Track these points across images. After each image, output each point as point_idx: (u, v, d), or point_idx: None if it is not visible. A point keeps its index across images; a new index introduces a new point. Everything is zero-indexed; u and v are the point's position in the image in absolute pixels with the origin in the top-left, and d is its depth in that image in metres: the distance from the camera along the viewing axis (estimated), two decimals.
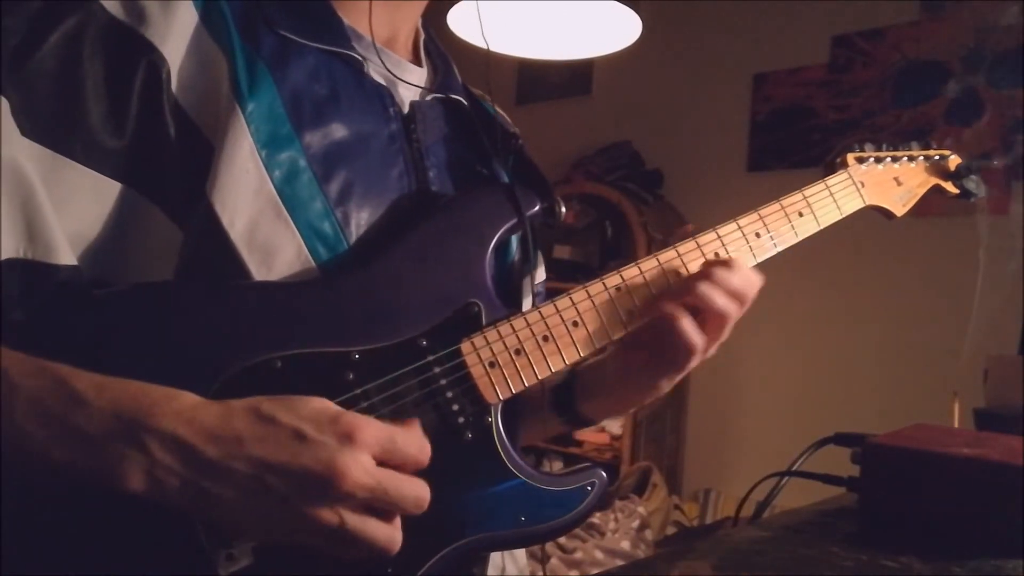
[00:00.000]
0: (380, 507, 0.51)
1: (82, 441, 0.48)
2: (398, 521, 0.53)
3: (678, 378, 0.73)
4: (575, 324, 0.66)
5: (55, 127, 0.56)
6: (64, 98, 0.56)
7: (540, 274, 0.86)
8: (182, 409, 0.49)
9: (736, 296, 0.68)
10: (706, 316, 0.68)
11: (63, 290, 0.55)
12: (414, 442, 0.53)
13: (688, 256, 0.72)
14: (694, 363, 0.70)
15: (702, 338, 0.68)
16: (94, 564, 0.53)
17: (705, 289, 0.67)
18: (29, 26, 0.55)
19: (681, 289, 0.68)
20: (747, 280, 0.69)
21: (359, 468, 0.49)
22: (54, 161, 0.55)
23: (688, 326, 0.67)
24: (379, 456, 0.51)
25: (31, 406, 0.48)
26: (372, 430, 0.51)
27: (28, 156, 0.54)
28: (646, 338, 0.70)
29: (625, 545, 2.25)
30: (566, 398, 0.80)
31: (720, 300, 0.67)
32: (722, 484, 2.83)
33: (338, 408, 0.52)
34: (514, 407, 0.70)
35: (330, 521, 0.49)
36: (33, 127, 0.55)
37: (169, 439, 0.48)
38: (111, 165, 0.57)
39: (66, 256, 0.55)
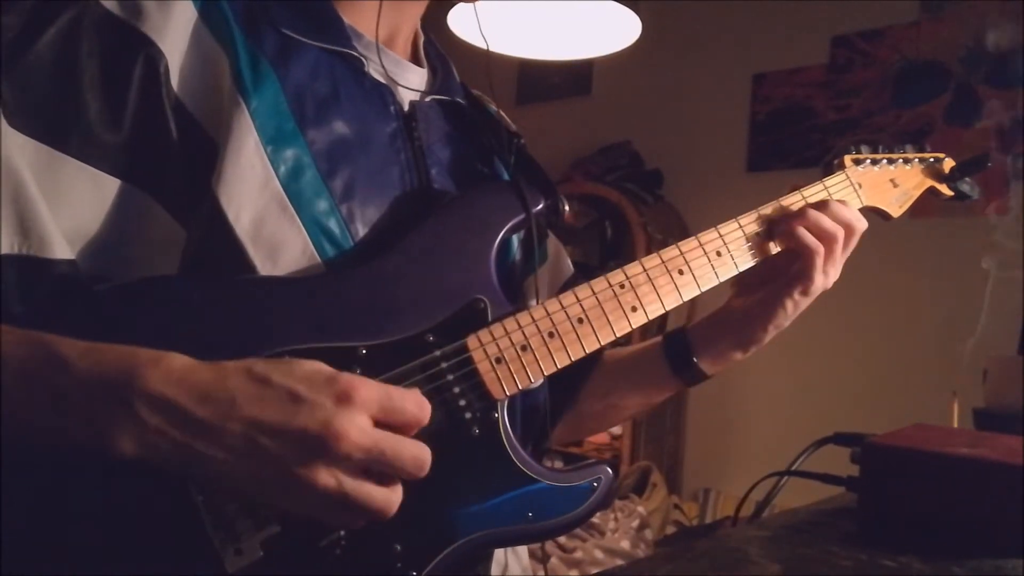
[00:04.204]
0: (378, 469, 0.50)
1: (69, 405, 0.48)
2: (398, 485, 0.52)
3: (804, 304, 0.78)
4: (580, 321, 0.67)
5: (51, 122, 0.55)
6: (60, 93, 0.56)
7: (569, 265, 0.88)
8: (171, 370, 0.48)
9: (841, 220, 0.76)
10: (819, 238, 0.75)
11: (60, 284, 0.55)
12: (413, 399, 0.52)
13: (691, 254, 0.72)
14: (819, 281, 0.76)
15: (823, 247, 0.75)
16: (100, 560, 0.53)
17: (810, 212, 0.75)
18: (25, 21, 0.55)
19: (794, 213, 0.76)
20: (847, 210, 0.77)
21: (356, 429, 0.48)
22: (50, 156, 0.55)
23: (804, 231, 0.74)
24: (377, 416, 0.50)
25: (17, 374, 0.48)
26: (369, 389, 0.50)
27: (18, 151, 0.54)
28: (758, 281, 0.79)
29: (625, 545, 2.25)
30: (682, 356, 0.82)
31: (825, 221, 0.75)
32: (721, 484, 2.83)
33: (333, 370, 0.50)
34: (519, 405, 0.70)
35: (326, 484, 0.48)
36: (28, 122, 0.54)
37: (158, 400, 0.47)
38: (109, 160, 0.57)
39: (62, 250, 0.55)
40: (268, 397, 0.48)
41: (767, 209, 0.77)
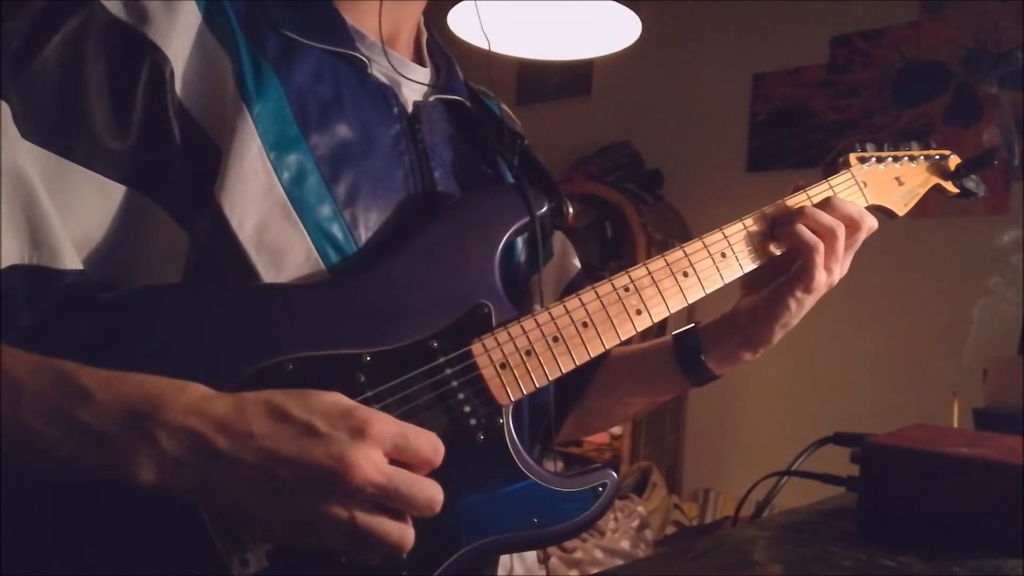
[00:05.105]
0: (392, 506, 0.51)
1: (90, 436, 0.48)
2: (411, 521, 0.52)
3: (809, 302, 0.77)
4: (585, 325, 0.66)
5: (58, 130, 0.55)
6: (67, 101, 0.55)
7: (575, 263, 0.88)
8: (191, 401, 0.49)
9: (842, 216, 0.75)
10: (820, 235, 0.74)
11: (70, 294, 0.54)
12: (428, 441, 0.52)
13: (695, 256, 0.72)
14: (821, 278, 0.74)
15: (823, 244, 0.74)
16: (106, 569, 0.52)
17: (808, 208, 0.75)
18: (30, 28, 0.55)
19: (793, 211, 0.75)
20: (848, 207, 0.76)
21: (370, 464, 0.48)
22: (58, 165, 0.55)
23: (803, 229, 0.73)
24: (391, 453, 0.50)
25: (36, 403, 0.48)
26: (385, 425, 0.50)
27: (29, 160, 0.54)
28: (765, 279, 0.78)
29: (625, 544, 2.25)
30: (691, 354, 0.81)
31: (824, 216, 0.74)
32: (721, 484, 2.84)
33: (351, 402, 0.51)
34: (526, 405, 0.70)
35: (340, 516, 0.49)
36: (36, 130, 0.54)
37: (179, 431, 0.48)
38: (115, 167, 0.57)
39: (71, 260, 0.55)
40: (285, 430, 0.49)
41: (770, 209, 0.77)
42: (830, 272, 0.76)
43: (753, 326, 0.79)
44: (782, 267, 0.77)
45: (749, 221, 0.75)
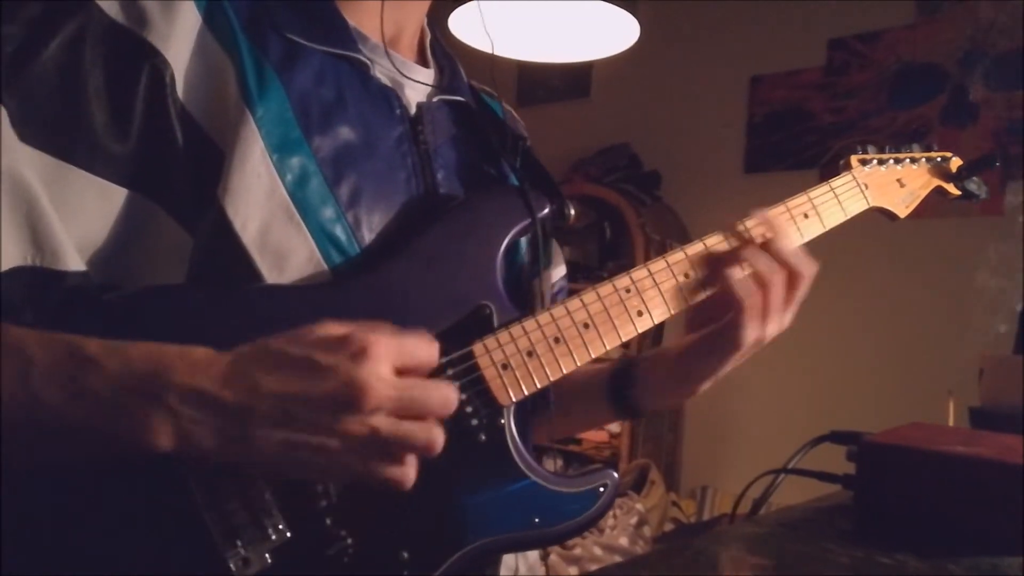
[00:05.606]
0: (409, 414, 0.51)
1: (101, 403, 0.48)
2: (435, 423, 0.52)
3: (735, 357, 0.70)
4: (586, 326, 0.66)
5: (58, 134, 0.55)
6: (66, 104, 0.55)
7: (560, 271, 0.85)
8: (194, 360, 0.49)
9: (781, 262, 0.68)
10: (755, 282, 0.68)
11: (72, 295, 0.55)
12: (425, 346, 0.53)
13: (696, 258, 0.72)
14: (748, 335, 0.68)
15: (752, 296, 0.67)
16: (107, 568, 0.53)
17: (749, 251, 0.68)
18: (28, 32, 0.54)
19: (728, 255, 0.69)
20: (790, 249, 0.69)
21: (380, 382, 0.49)
22: (58, 168, 0.55)
23: (734, 278, 0.67)
24: (396, 364, 0.51)
25: (46, 374, 0.48)
26: (384, 340, 0.50)
27: (28, 163, 0.54)
28: (705, 318, 0.71)
29: (623, 541, 2.26)
30: (621, 387, 0.79)
31: (762, 261, 0.68)
32: (719, 481, 2.84)
33: (346, 327, 0.51)
34: (526, 409, 0.70)
35: (362, 433, 0.49)
36: (35, 134, 0.54)
37: (187, 391, 0.48)
38: (116, 170, 0.57)
39: (74, 262, 0.55)
40: (288, 371, 0.49)
41: (774, 211, 0.74)
42: (761, 327, 0.68)
43: (680, 369, 0.74)
44: (720, 309, 0.70)
45: (751, 223, 0.73)
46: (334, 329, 0.51)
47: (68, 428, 0.49)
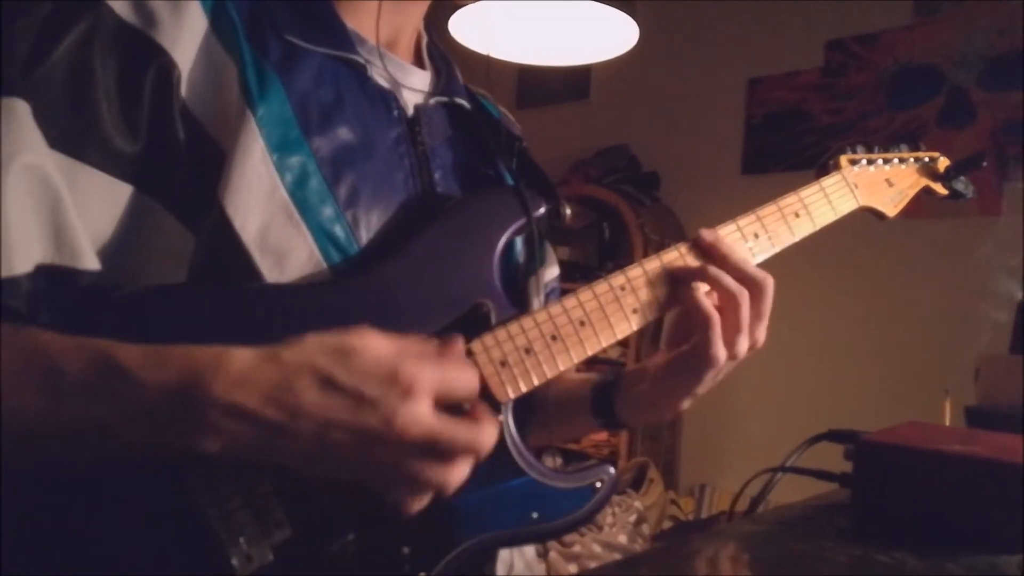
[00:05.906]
0: (439, 451, 0.52)
1: (138, 412, 0.48)
2: (458, 462, 0.53)
3: (709, 375, 0.69)
4: (582, 323, 0.66)
5: (68, 132, 0.55)
6: (77, 103, 0.56)
7: (552, 271, 0.86)
8: (233, 372, 0.49)
9: (741, 279, 0.68)
10: (720, 301, 0.68)
11: (87, 294, 0.55)
12: (466, 379, 0.55)
13: (690, 257, 0.72)
14: (718, 353, 0.67)
15: (718, 317, 0.66)
16: (110, 565, 0.53)
17: (710, 269, 0.68)
18: (39, 31, 0.55)
19: (692, 271, 0.69)
20: (747, 264, 0.69)
21: (417, 424, 0.50)
22: (72, 166, 0.55)
23: (700, 297, 0.67)
24: (437, 398, 0.52)
25: (78, 386, 0.48)
26: (428, 375, 0.51)
27: (55, 165, 0.54)
28: (681, 337, 0.70)
29: (622, 539, 2.27)
30: (604, 399, 0.79)
31: (726, 279, 0.67)
32: (717, 480, 2.85)
33: (394, 359, 0.51)
34: (523, 407, 0.70)
35: (388, 463, 0.51)
36: (49, 132, 0.54)
37: (228, 407, 0.48)
38: (124, 168, 0.57)
39: (91, 261, 0.55)
40: (335, 400, 0.49)
41: (765, 210, 0.75)
42: (732, 346, 0.68)
43: (659, 386, 0.74)
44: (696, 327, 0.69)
45: (743, 221, 0.73)
46: (382, 358, 0.51)
47: (103, 438, 0.49)
